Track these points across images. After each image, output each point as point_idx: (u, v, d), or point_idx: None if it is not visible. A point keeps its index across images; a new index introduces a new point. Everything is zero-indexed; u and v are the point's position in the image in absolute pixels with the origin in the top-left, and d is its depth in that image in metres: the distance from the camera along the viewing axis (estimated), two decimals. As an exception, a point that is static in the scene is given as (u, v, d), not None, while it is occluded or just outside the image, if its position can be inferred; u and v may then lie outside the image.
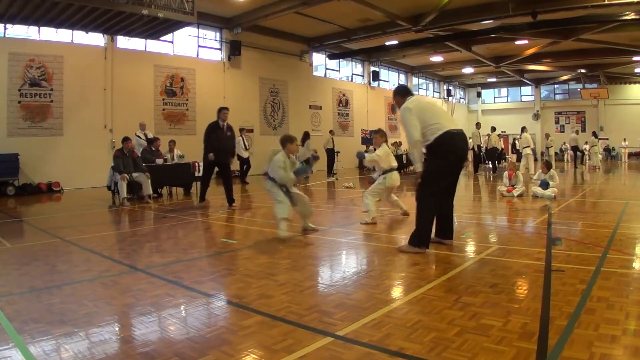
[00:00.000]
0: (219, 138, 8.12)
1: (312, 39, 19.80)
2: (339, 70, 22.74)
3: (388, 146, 6.67)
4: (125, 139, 9.26)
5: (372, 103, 24.35)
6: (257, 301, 3.06)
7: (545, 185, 8.41)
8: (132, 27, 12.20)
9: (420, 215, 4.24)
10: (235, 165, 15.06)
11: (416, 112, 4.19)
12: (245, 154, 14.20)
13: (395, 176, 6.36)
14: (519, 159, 16.43)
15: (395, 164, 6.49)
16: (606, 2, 12.93)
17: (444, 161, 4.18)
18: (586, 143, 21.16)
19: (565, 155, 26.01)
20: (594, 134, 19.90)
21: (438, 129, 4.11)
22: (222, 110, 8.27)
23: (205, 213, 7.81)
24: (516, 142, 22.98)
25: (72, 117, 12.95)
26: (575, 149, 19.86)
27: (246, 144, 14.49)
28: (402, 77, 27.37)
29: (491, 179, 14.22)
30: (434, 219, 4.32)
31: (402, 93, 4.52)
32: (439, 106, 4.53)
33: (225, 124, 8.25)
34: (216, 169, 8.63)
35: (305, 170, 5.85)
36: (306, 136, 14.78)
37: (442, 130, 4.09)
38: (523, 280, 3.45)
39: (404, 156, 18.58)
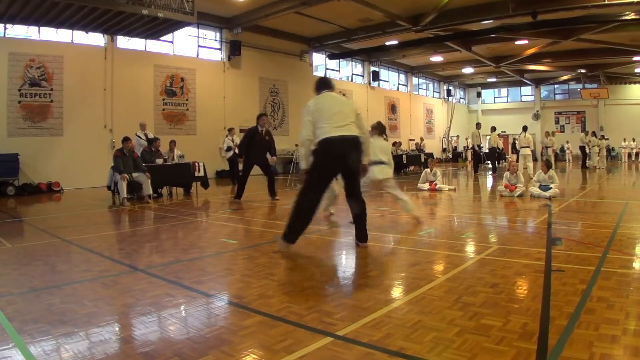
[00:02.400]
0: (257, 142, 8.89)
1: (312, 39, 19.79)
2: (339, 70, 22.74)
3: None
4: (126, 139, 9.25)
5: (372, 103, 24.33)
6: (257, 301, 3.06)
7: (545, 187, 8.41)
8: (132, 27, 12.20)
9: (293, 208, 4.34)
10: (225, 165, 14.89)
11: (312, 112, 4.30)
12: (228, 155, 13.65)
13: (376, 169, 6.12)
14: (518, 159, 16.39)
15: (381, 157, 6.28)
16: (606, 2, 12.93)
17: (317, 165, 4.26)
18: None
19: (567, 155, 25.92)
20: (594, 134, 19.80)
21: (320, 134, 4.21)
22: (262, 117, 9.08)
23: (205, 213, 7.82)
24: (516, 141, 22.90)
25: (72, 117, 12.94)
26: (582, 148, 19.59)
27: (224, 145, 13.95)
28: (402, 77, 27.38)
29: (491, 178, 14.23)
30: (308, 218, 4.31)
31: (317, 88, 4.61)
32: (340, 109, 4.37)
33: (263, 129, 9.00)
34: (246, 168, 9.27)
35: None
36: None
37: (322, 136, 4.18)
38: (523, 280, 3.45)
39: (404, 156, 18.61)
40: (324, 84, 4.61)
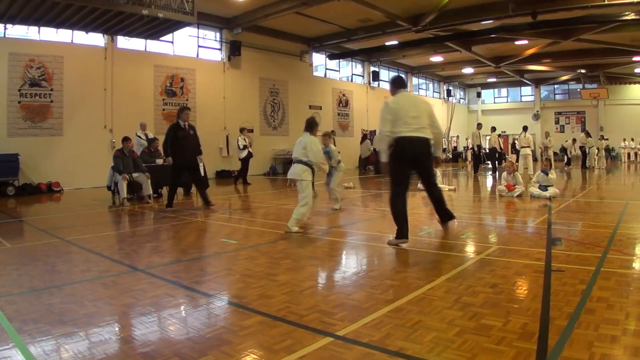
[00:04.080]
0: (181, 139, 7.83)
1: (312, 39, 19.79)
2: (339, 71, 22.74)
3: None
4: (126, 139, 9.25)
5: (372, 103, 24.32)
6: (257, 301, 3.06)
7: (544, 187, 8.41)
8: (132, 27, 12.20)
9: (390, 209, 4.77)
10: (237, 165, 14.97)
11: (392, 110, 4.68)
12: (243, 154, 13.85)
13: (290, 169, 6.04)
14: (518, 159, 16.40)
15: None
16: (606, 2, 12.93)
17: (393, 160, 4.71)
18: (574, 142, 21.01)
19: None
20: (589, 134, 19.70)
21: (397, 132, 4.63)
22: (184, 111, 8.10)
23: (205, 213, 7.82)
24: (516, 141, 22.85)
25: (72, 117, 12.94)
26: (582, 149, 19.47)
27: (239, 144, 13.91)
28: (402, 77, 27.33)
29: (491, 179, 14.23)
30: (405, 213, 4.66)
31: (396, 85, 5.01)
32: (415, 109, 4.80)
33: (186, 124, 8.03)
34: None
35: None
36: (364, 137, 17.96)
37: (398, 135, 4.62)
38: (523, 280, 3.45)
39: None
40: (400, 83, 5.02)
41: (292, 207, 8.30)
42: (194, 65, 16.10)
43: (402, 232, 4.62)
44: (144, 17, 11.13)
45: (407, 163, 4.76)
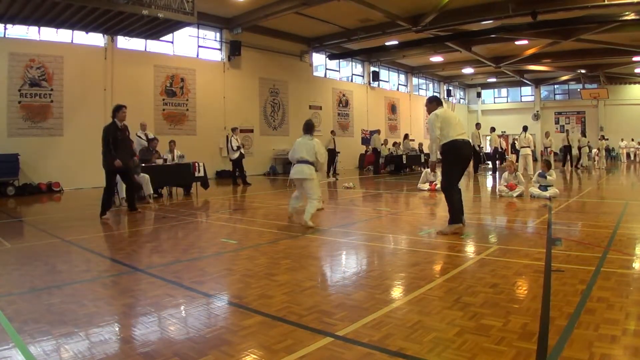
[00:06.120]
0: (119, 141, 7.26)
1: (312, 39, 19.79)
2: (339, 71, 22.74)
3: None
4: (127, 140, 9.23)
5: (372, 103, 24.35)
6: (257, 301, 3.06)
7: (544, 187, 8.41)
8: (132, 28, 12.20)
9: (448, 200, 5.49)
10: (228, 166, 14.71)
11: (440, 119, 5.48)
12: (235, 155, 13.47)
13: (295, 169, 6.19)
14: (518, 159, 16.37)
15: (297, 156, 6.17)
16: (606, 2, 12.93)
17: (450, 160, 5.52)
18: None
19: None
20: (583, 134, 19.65)
21: (447, 137, 5.41)
22: (121, 109, 7.41)
23: (205, 213, 7.82)
24: (515, 141, 22.78)
25: (72, 117, 12.94)
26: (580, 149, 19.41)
27: (232, 145, 13.45)
28: (402, 77, 27.37)
29: (491, 179, 14.23)
30: (460, 201, 5.48)
31: (438, 102, 5.79)
32: (457, 119, 5.68)
33: (123, 124, 7.44)
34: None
35: None
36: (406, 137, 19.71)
37: (449, 138, 5.40)
38: (523, 280, 3.45)
39: (404, 156, 18.59)
40: (440, 101, 5.84)
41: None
42: (194, 66, 16.10)
43: (458, 218, 5.36)
44: (144, 17, 11.14)
45: (462, 162, 5.62)
